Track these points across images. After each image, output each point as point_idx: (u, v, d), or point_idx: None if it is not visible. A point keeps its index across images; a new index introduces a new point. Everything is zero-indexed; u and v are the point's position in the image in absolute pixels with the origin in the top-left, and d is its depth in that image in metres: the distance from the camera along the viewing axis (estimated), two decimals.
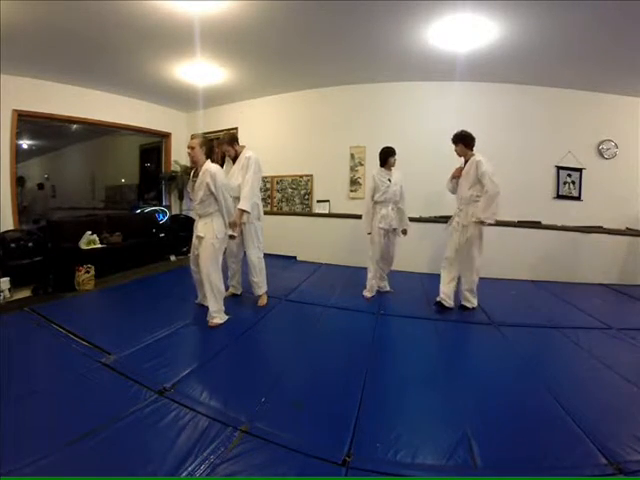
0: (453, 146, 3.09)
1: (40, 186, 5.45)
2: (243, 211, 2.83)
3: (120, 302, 3.32)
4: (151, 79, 4.52)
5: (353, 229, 4.82)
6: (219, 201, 2.59)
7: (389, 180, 3.29)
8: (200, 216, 2.70)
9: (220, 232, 2.65)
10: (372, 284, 3.42)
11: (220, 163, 3.06)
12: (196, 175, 2.64)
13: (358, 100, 4.79)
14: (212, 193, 2.56)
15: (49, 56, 3.71)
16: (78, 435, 1.40)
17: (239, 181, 2.98)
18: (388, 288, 3.63)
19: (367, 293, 3.43)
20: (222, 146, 3.07)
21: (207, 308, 2.67)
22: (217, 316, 2.64)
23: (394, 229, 3.38)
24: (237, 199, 2.93)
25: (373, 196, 3.34)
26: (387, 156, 3.31)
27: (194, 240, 2.74)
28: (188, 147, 2.62)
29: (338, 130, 4.94)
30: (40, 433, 1.43)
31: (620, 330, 2.74)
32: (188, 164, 5.34)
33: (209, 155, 2.65)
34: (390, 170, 3.33)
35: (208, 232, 2.62)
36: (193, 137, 2.63)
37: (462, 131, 3.06)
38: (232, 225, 2.76)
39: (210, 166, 2.58)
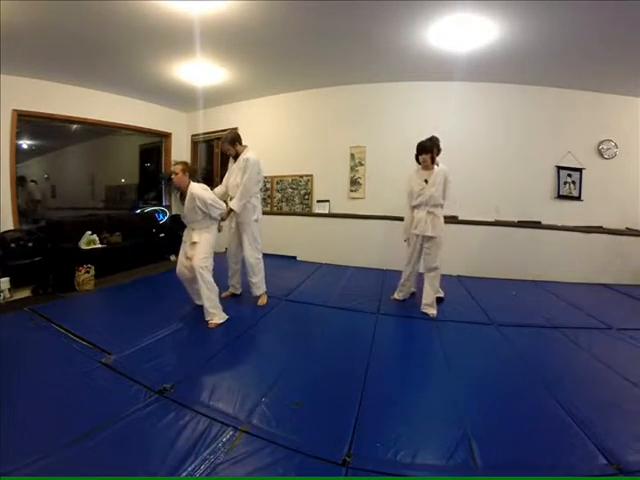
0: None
1: (32, 181, 5.42)
2: (231, 210, 2.98)
3: (120, 302, 3.31)
4: (151, 79, 4.52)
5: (353, 229, 4.83)
6: (214, 216, 2.72)
7: (425, 181, 2.95)
8: (194, 229, 2.75)
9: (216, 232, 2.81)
10: (401, 288, 3.31)
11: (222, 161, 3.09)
12: (183, 197, 2.69)
13: (358, 100, 4.79)
14: (205, 212, 2.66)
15: (49, 56, 3.71)
16: (78, 435, 1.40)
17: (237, 181, 3.03)
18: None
19: (395, 295, 3.35)
20: (223, 145, 3.09)
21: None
22: (216, 316, 2.64)
23: (429, 237, 2.96)
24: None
25: (411, 199, 3.07)
26: (417, 153, 2.98)
27: (187, 248, 2.76)
28: (172, 173, 2.66)
29: (338, 130, 4.93)
30: (40, 433, 1.43)
31: (620, 330, 2.74)
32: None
33: (192, 175, 2.72)
34: (429, 170, 2.95)
35: (205, 236, 2.72)
36: (176, 163, 2.69)
37: (437, 137, 3.04)
38: (221, 219, 2.89)
39: (194, 188, 2.63)
